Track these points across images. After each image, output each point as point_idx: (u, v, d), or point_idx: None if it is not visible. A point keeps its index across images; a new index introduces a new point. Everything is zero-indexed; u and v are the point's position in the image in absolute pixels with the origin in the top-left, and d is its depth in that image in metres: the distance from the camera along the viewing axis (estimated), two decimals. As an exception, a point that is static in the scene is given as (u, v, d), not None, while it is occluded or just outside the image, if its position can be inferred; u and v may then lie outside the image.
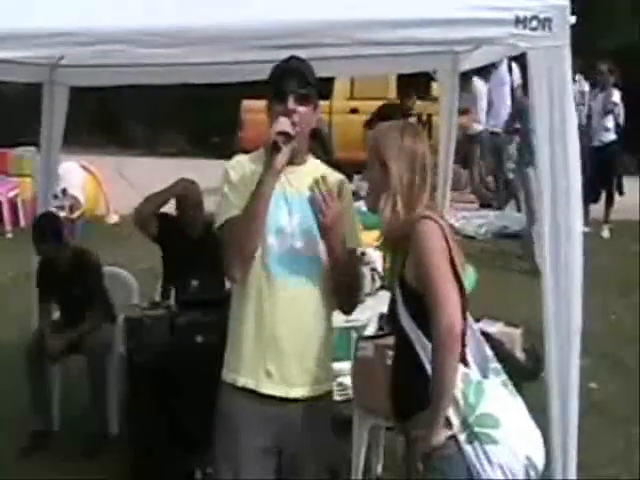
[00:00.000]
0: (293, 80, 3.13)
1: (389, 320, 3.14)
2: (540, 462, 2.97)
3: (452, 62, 5.41)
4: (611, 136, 11.47)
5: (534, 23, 3.28)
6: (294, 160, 3.18)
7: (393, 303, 3.04)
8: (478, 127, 12.35)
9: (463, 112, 10.76)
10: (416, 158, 3.01)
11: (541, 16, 3.29)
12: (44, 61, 5.29)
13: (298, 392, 3.18)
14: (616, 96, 11.27)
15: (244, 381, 3.17)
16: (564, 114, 3.39)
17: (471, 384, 2.91)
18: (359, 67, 5.92)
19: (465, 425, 2.87)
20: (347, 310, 3.36)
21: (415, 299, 2.92)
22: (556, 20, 3.31)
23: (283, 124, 3.07)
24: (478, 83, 12.27)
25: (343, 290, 3.23)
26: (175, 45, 3.43)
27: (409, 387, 2.97)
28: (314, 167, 3.28)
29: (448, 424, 2.88)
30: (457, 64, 5.41)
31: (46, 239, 5.41)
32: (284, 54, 3.34)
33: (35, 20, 3.29)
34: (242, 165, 3.23)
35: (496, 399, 2.94)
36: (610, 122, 11.39)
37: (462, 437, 2.87)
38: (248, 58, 4.68)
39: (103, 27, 3.31)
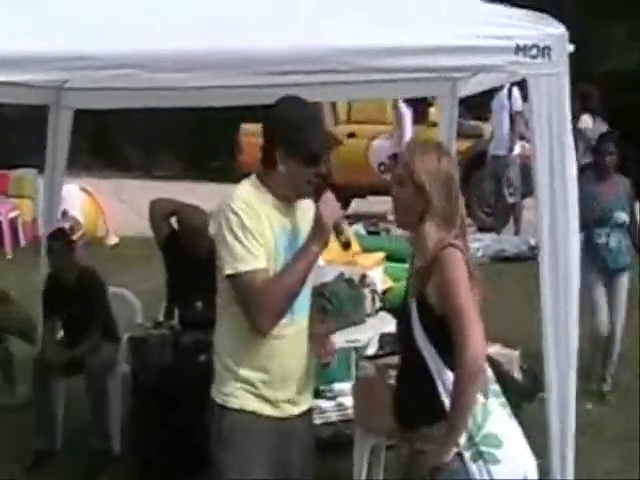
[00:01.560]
0: (326, 143, 3.17)
1: (399, 335, 3.19)
2: None
3: (451, 88, 5.50)
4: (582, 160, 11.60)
5: (534, 51, 3.39)
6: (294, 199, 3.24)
7: (407, 319, 3.09)
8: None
9: (467, 137, 10.87)
10: (452, 181, 3.06)
11: (541, 44, 3.40)
12: (50, 84, 5.37)
13: (296, 411, 3.27)
14: (585, 122, 11.28)
15: (245, 404, 3.21)
16: (563, 140, 3.50)
17: (477, 405, 2.99)
18: (358, 92, 5.98)
19: (471, 443, 2.96)
20: None
21: (434, 319, 2.99)
22: (555, 48, 3.42)
23: (331, 208, 3.09)
24: (403, 108, 12.40)
25: None
26: (183, 70, 3.51)
27: (418, 401, 3.03)
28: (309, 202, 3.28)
29: None
30: (456, 90, 5.50)
31: (61, 253, 5.52)
32: (287, 79, 3.42)
33: (45, 43, 3.35)
34: (253, 209, 3.12)
35: (499, 420, 3.03)
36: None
37: (467, 454, 2.96)
38: (250, 83, 4.78)
39: (113, 51, 3.38)
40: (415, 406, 3.04)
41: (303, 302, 3.22)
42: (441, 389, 2.97)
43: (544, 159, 3.50)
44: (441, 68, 3.64)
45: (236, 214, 3.08)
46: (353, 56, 3.46)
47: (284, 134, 3.12)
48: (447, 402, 2.97)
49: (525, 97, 12.10)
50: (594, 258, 6.28)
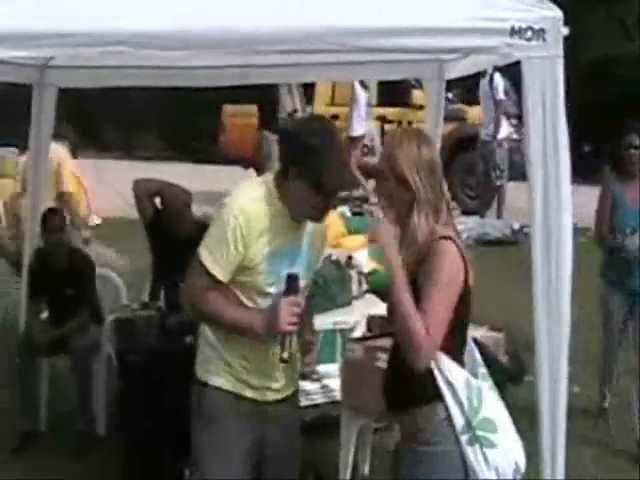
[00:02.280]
0: (341, 182, 3.15)
1: (390, 320, 3.18)
2: (523, 465, 3.07)
3: (438, 70, 5.44)
4: None
5: (529, 34, 3.35)
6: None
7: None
8: (359, 131, 12.43)
9: (450, 119, 10.87)
10: (435, 169, 3.02)
11: (535, 27, 3.36)
12: (34, 62, 5.30)
13: (277, 396, 3.32)
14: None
15: (226, 385, 3.26)
16: (556, 123, 3.47)
17: (473, 389, 3.00)
18: (342, 72, 5.90)
19: (469, 427, 2.96)
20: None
21: None
22: (550, 31, 3.38)
23: (289, 317, 3.09)
24: (358, 89, 12.41)
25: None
26: (174, 48, 3.45)
27: (412, 383, 3.01)
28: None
29: (451, 423, 2.96)
30: (443, 72, 5.45)
31: (54, 230, 5.50)
32: (276, 59, 3.35)
33: (30, 20, 3.27)
34: (250, 219, 3.11)
35: (492, 404, 3.04)
36: None
37: (464, 438, 2.96)
38: (234, 63, 4.73)
39: (99, 29, 3.31)
40: (409, 388, 3.02)
41: None
42: (435, 372, 2.96)
43: (537, 142, 3.47)
44: (435, 49, 3.61)
45: (233, 214, 3.10)
46: (348, 36, 3.40)
47: (301, 157, 3.10)
48: (442, 385, 2.97)
49: (508, 76, 12.22)
50: (619, 273, 5.67)
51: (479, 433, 2.96)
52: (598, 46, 17.39)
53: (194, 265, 3.17)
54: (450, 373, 2.98)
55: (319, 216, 3.20)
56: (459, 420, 2.96)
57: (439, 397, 2.97)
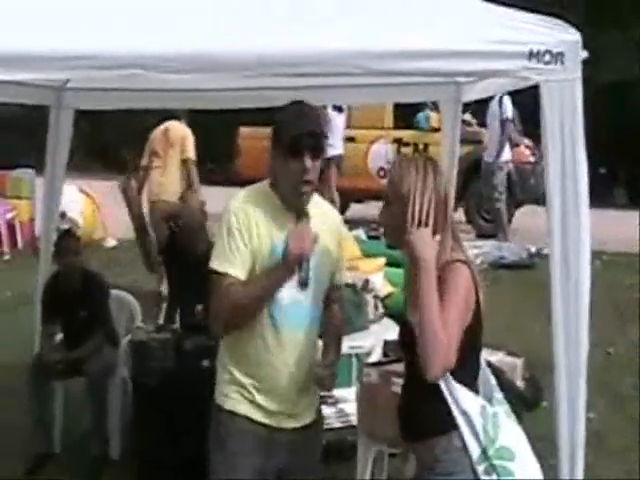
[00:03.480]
0: (311, 138, 3.13)
1: (402, 344, 3.15)
2: None
3: (455, 93, 5.44)
4: None
5: (547, 57, 3.35)
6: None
7: (411, 330, 3.02)
8: (332, 152, 12.46)
9: (467, 142, 10.89)
10: (440, 195, 2.99)
11: (554, 50, 3.36)
12: (51, 84, 5.33)
13: (291, 424, 3.26)
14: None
15: (241, 408, 3.22)
16: (575, 147, 3.46)
17: (488, 417, 2.97)
18: (358, 95, 5.90)
19: (485, 457, 2.93)
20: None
21: None
22: (568, 54, 3.38)
23: (300, 243, 3.07)
24: (332, 114, 12.46)
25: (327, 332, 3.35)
26: (190, 71, 3.44)
27: (426, 412, 3.00)
28: (314, 203, 3.29)
29: (467, 454, 2.93)
30: (460, 95, 5.44)
31: (69, 255, 5.49)
32: (292, 81, 3.36)
33: (47, 42, 3.28)
34: (247, 213, 3.17)
35: (509, 431, 3.00)
36: None
37: (481, 468, 2.92)
38: (251, 85, 4.73)
39: (115, 52, 3.31)
40: (425, 418, 3.01)
41: (297, 318, 3.21)
42: (449, 401, 2.94)
43: (556, 166, 3.45)
44: (453, 72, 3.61)
45: (230, 214, 3.16)
46: (361, 59, 3.39)
47: (273, 131, 3.19)
48: (457, 414, 2.94)
49: (515, 104, 12.30)
50: None
51: (496, 462, 2.92)
52: (613, 69, 17.41)
53: (210, 283, 3.16)
54: (465, 402, 2.95)
55: (301, 185, 3.14)
56: (475, 450, 2.92)
57: (455, 427, 2.94)
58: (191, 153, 9.03)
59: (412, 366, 3.07)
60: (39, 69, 3.34)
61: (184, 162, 8.98)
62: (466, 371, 2.98)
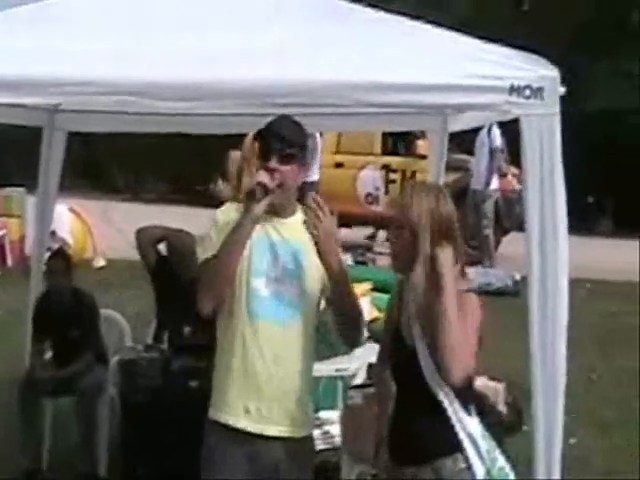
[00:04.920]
0: (277, 141, 3.26)
1: (395, 367, 3.23)
2: None
3: (442, 123, 5.56)
4: None
5: (527, 92, 3.48)
6: (280, 213, 3.34)
7: (412, 355, 3.09)
8: (312, 177, 12.61)
9: (454, 169, 11.00)
10: (451, 222, 3.11)
11: (534, 85, 3.49)
12: (44, 106, 5.39)
13: (274, 430, 3.28)
14: None
15: (225, 418, 3.29)
16: (554, 178, 3.57)
17: (486, 439, 3.07)
18: (348, 124, 6.05)
19: (489, 476, 3.01)
20: (351, 342, 3.56)
21: None
22: (548, 90, 3.51)
23: (262, 176, 3.24)
24: (317, 139, 12.59)
25: (344, 319, 3.38)
26: (184, 99, 3.55)
27: (429, 432, 3.07)
28: (301, 221, 3.36)
29: (471, 474, 3.02)
30: (446, 125, 5.57)
31: (60, 274, 5.58)
32: (284, 111, 3.46)
33: (41, 67, 3.39)
34: (229, 211, 3.36)
35: (499, 452, 3.10)
36: None
37: None
38: (243, 111, 4.82)
39: (107, 78, 3.42)
40: (426, 440, 3.07)
41: (282, 313, 3.28)
42: (454, 421, 3.02)
43: (535, 196, 3.57)
44: (436, 105, 3.74)
45: (216, 214, 3.37)
46: (351, 91, 3.52)
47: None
48: (462, 435, 3.02)
49: (504, 134, 12.40)
50: None
51: None
52: (604, 98, 17.56)
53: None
54: (468, 423, 3.04)
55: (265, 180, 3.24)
56: (479, 470, 3.00)
57: (458, 448, 3.01)
58: None
59: (406, 388, 3.15)
60: (33, 94, 3.45)
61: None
62: (469, 392, 3.08)
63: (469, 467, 3.01)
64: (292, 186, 3.33)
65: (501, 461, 3.06)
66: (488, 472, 3.01)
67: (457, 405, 3.02)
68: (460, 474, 3.02)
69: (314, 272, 3.33)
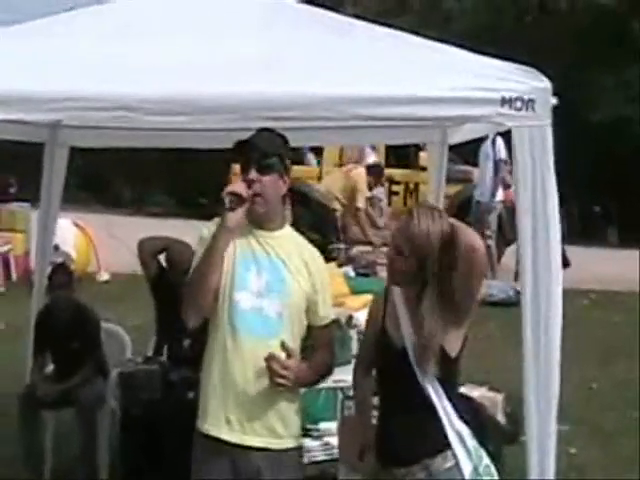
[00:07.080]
0: (255, 152, 3.31)
1: (381, 372, 3.27)
2: None
3: (441, 135, 5.60)
4: None
5: (519, 104, 3.52)
6: (266, 226, 3.37)
7: (402, 355, 3.14)
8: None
9: (456, 181, 11.03)
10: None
11: (525, 97, 3.53)
12: (45, 121, 5.42)
13: (253, 441, 3.29)
14: None
15: (207, 428, 3.32)
16: (546, 188, 3.60)
17: (473, 438, 3.11)
18: (350, 137, 6.06)
19: (476, 473, 3.06)
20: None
21: (448, 364, 3.12)
22: (539, 101, 3.55)
23: (235, 186, 3.30)
24: (310, 155, 12.65)
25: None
26: (182, 113, 3.59)
27: (421, 434, 3.12)
28: (289, 235, 3.43)
29: (459, 471, 3.06)
30: (446, 137, 5.60)
31: (62, 289, 5.62)
32: (286, 122, 3.52)
33: (41, 83, 3.45)
34: (214, 225, 3.36)
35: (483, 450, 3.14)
36: None
37: None
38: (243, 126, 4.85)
39: (106, 93, 3.47)
40: (417, 439, 3.11)
41: (264, 327, 3.29)
42: (444, 419, 3.07)
43: (527, 206, 3.60)
44: (429, 118, 3.76)
45: (201, 231, 3.41)
46: (348, 105, 3.56)
47: None
48: (451, 433, 3.06)
49: (508, 145, 12.41)
50: None
51: (486, 479, 3.07)
52: (608, 107, 17.56)
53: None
54: (456, 422, 3.09)
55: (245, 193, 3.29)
56: (467, 467, 3.05)
57: (447, 445, 3.06)
58: None
59: (396, 390, 3.18)
60: (33, 110, 3.50)
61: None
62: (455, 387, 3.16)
63: (457, 464, 3.05)
64: (273, 196, 3.35)
65: (486, 459, 3.11)
66: (475, 469, 3.06)
67: (445, 401, 3.06)
68: (449, 472, 3.06)
69: (297, 288, 3.35)
